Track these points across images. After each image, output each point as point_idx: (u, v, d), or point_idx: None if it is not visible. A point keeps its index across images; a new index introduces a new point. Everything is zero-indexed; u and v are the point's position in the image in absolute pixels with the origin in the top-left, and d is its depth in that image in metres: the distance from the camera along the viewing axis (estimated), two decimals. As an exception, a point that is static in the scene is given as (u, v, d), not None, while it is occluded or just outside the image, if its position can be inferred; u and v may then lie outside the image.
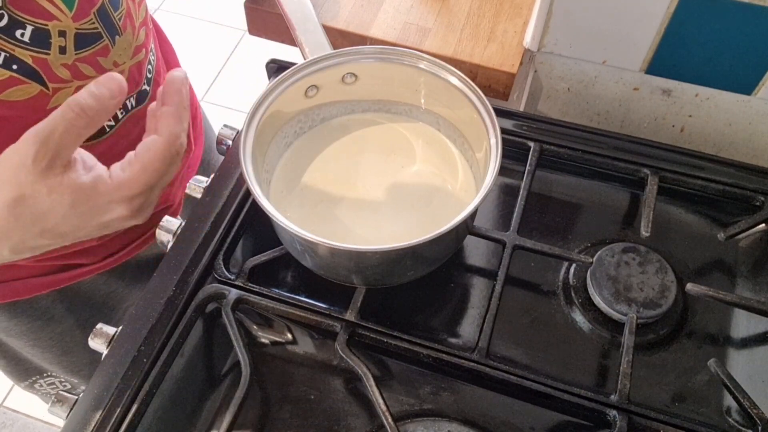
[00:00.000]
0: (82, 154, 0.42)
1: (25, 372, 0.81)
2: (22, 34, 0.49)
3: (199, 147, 0.80)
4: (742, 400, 0.50)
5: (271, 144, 0.57)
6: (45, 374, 0.82)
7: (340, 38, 0.73)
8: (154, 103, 0.46)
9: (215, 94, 2.03)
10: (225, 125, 0.67)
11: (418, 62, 0.56)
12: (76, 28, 0.52)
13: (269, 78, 0.69)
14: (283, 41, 0.77)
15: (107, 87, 0.39)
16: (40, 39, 0.50)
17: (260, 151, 0.55)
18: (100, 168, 0.42)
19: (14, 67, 0.49)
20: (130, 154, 0.43)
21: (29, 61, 0.50)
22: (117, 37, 0.56)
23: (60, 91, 0.53)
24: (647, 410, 0.50)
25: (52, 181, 0.38)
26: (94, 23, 0.54)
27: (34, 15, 0.49)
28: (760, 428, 0.49)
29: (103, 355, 0.52)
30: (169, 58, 0.73)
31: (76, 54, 0.53)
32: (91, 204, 0.40)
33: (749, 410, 0.50)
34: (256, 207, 0.48)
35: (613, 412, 0.50)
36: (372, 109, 0.62)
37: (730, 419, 0.52)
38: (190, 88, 0.80)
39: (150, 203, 0.44)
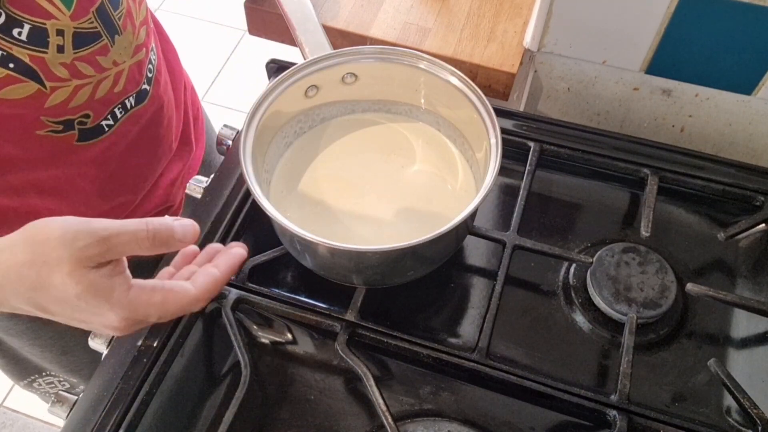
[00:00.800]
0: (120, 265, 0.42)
1: (24, 371, 0.81)
2: (20, 33, 0.48)
3: (200, 147, 0.80)
4: (742, 400, 0.50)
5: (271, 144, 0.57)
6: (44, 373, 0.82)
7: (340, 38, 0.73)
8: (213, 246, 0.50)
9: (215, 94, 2.03)
10: (225, 125, 0.67)
11: (418, 62, 0.56)
12: (75, 27, 0.52)
13: (269, 78, 0.69)
14: (283, 41, 0.77)
15: (184, 230, 0.40)
16: (38, 38, 0.50)
17: (260, 151, 0.55)
18: (122, 279, 0.41)
19: (11, 65, 0.49)
20: (160, 280, 0.43)
21: (26, 60, 0.50)
22: (116, 36, 0.56)
23: (58, 89, 0.53)
24: (647, 410, 0.50)
25: (79, 271, 0.38)
26: (93, 22, 0.53)
27: (32, 13, 0.49)
28: (760, 428, 0.49)
29: (103, 355, 0.52)
30: (170, 57, 0.72)
31: (74, 53, 0.53)
32: (95, 306, 0.40)
33: (749, 410, 0.50)
34: (256, 207, 0.48)
35: (613, 412, 0.50)
36: (372, 109, 0.62)
37: (730, 419, 0.52)
38: (193, 90, 0.81)
39: (139, 328, 0.43)
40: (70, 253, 0.37)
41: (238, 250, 0.47)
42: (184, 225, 0.41)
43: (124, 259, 0.41)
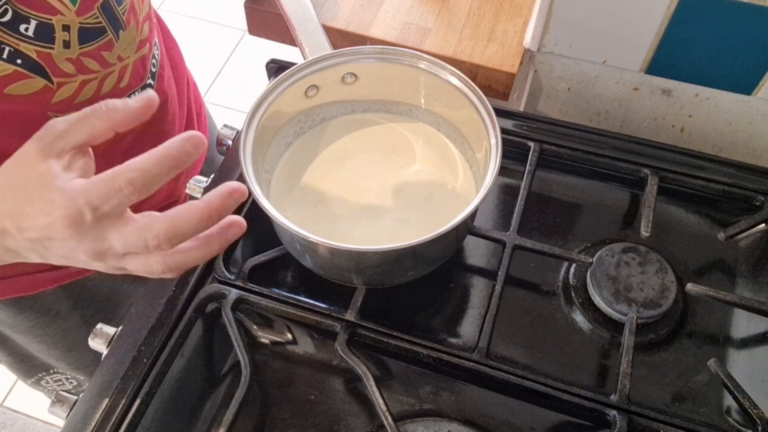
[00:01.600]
0: (81, 161, 0.40)
1: (31, 368, 0.82)
2: (26, 29, 0.49)
3: None
4: (742, 400, 0.50)
5: (271, 144, 0.57)
6: (51, 370, 0.82)
7: (340, 38, 0.73)
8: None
9: (215, 94, 2.03)
10: (225, 125, 0.67)
11: (418, 62, 0.56)
12: (80, 23, 0.52)
13: (269, 78, 0.69)
14: (283, 41, 0.77)
15: (138, 95, 0.39)
16: (44, 33, 0.50)
17: (260, 151, 0.55)
18: (72, 172, 0.39)
19: (18, 61, 0.49)
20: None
21: (33, 56, 0.50)
22: (121, 31, 0.57)
23: (64, 85, 0.53)
24: (647, 410, 0.50)
25: (41, 158, 0.38)
26: (98, 17, 0.54)
27: (38, 9, 0.49)
28: (760, 428, 0.49)
29: (103, 355, 0.52)
30: (173, 53, 0.73)
31: (80, 48, 0.53)
32: (41, 195, 0.38)
33: (749, 410, 0.50)
34: (256, 207, 0.48)
35: (613, 412, 0.50)
36: (372, 109, 0.62)
37: (730, 419, 0.52)
38: (195, 86, 0.81)
39: (90, 237, 0.39)
40: (34, 143, 0.38)
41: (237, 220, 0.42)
42: (139, 94, 0.39)
43: (88, 159, 0.40)
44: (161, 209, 0.51)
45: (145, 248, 0.38)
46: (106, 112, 0.38)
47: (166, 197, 0.72)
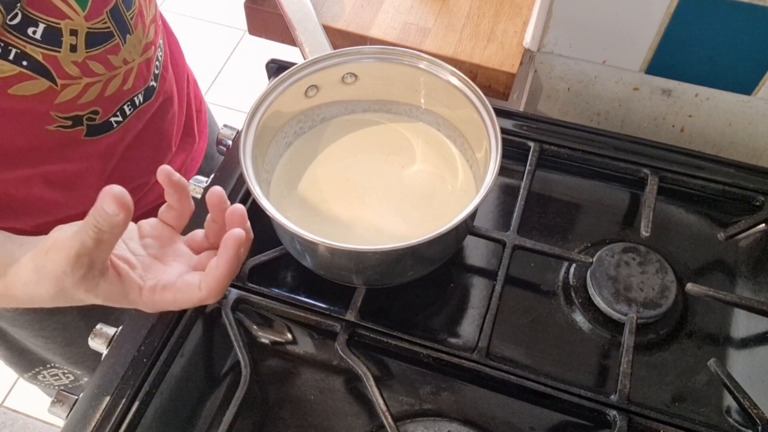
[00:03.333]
0: (116, 259, 0.45)
1: (28, 363, 0.82)
2: (34, 32, 0.49)
3: (203, 140, 0.81)
4: (742, 400, 0.50)
5: (271, 144, 0.57)
6: (48, 365, 0.82)
7: (340, 38, 0.73)
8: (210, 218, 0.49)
9: (215, 94, 2.03)
10: (225, 125, 0.67)
11: (418, 62, 0.56)
12: (88, 28, 0.52)
13: (269, 78, 0.69)
14: (283, 41, 0.77)
15: (110, 208, 0.40)
16: (52, 37, 0.50)
17: (260, 151, 0.55)
18: (132, 279, 0.45)
19: (24, 63, 0.50)
20: (174, 276, 0.46)
21: (39, 58, 0.50)
22: (128, 35, 0.57)
23: (68, 87, 0.53)
24: (647, 410, 0.50)
25: (89, 284, 0.42)
26: (106, 22, 0.54)
27: (47, 13, 0.49)
28: (760, 428, 0.49)
29: (103, 355, 0.52)
30: (174, 50, 0.73)
31: (86, 52, 0.53)
32: (121, 302, 0.45)
33: (749, 410, 0.50)
34: (256, 207, 0.48)
35: (613, 412, 0.50)
36: (372, 109, 0.62)
37: (730, 419, 0.52)
38: (195, 83, 0.81)
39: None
40: (72, 281, 0.42)
41: (233, 235, 0.45)
42: (100, 203, 0.40)
43: (119, 263, 0.45)
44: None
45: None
46: (111, 230, 0.40)
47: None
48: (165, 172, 0.46)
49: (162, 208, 0.49)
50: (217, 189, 0.48)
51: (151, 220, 0.50)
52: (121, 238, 0.44)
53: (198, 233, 0.51)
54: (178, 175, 0.47)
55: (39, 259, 0.43)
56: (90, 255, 0.41)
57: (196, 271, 0.48)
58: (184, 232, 0.51)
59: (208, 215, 0.49)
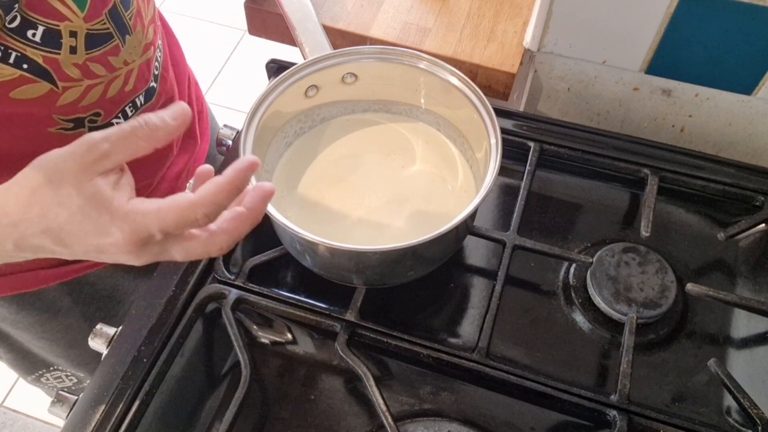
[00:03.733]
0: (124, 179, 0.41)
1: (31, 365, 0.82)
2: (34, 35, 0.49)
3: (205, 141, 0.81)
4: (742, 400, 0.50)
5: (271, 144, 0.57)
6: (51, 368, 0.82)
7: (340, 38, 0.73)
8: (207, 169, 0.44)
9: (215, 94, 2.03)
10: (225, 125, 0.67)
11: (418, 62, 0.56)
12: (88, 29, 0.52)
13: (269, 78, 0.69)
14: (283, 41, 0.77)
15: (172, 111, 0.39)
16: (52, 39, 0.50)
17: (260, 151, 0.55)
18: (124, 191, 0.40)
19: (25, 66, 0.49)
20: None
21: (40, 61, 0.50)
22: (127, 36, 0.57)
23: (69, 89, 0.53)
24: (647, 410, 0.50)
25: (83, 180, 0.38)
26: (105, 24, 0.54)
27: (46, 16, 0.49)
28: (760, 428, 0.49)
29: (103, 355, 0.52)
30: (174, 51, 0.73)
31: (86, 54, 0.53)
32: (97, 219, 0.39)
33: (749, 410, 0.50)
34: (256, 208, 0.48)
35: (613, 412, 0.50)
36: (372, 109, 0.62)
37: (730, 419, 0.52)
38: (196, 84, 0.81)
39: (151, 251, 0.41)
40: (74, 161, 0.38)
41: (266, 186, 0.42)
42: (168, 108, 0.39)
43: (129, 175, 0.41)
44: None
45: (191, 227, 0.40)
46: (149, 133, 0.39)
47: (168, 195, 0.72)
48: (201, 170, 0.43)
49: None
50: (206, 167, 0.44)
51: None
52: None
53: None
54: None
55: (28, 170, 0.39)
56: (114, 141, 0.38)
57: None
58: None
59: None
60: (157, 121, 0.39)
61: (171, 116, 0.39)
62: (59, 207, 0.39)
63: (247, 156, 0.42)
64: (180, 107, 0.40)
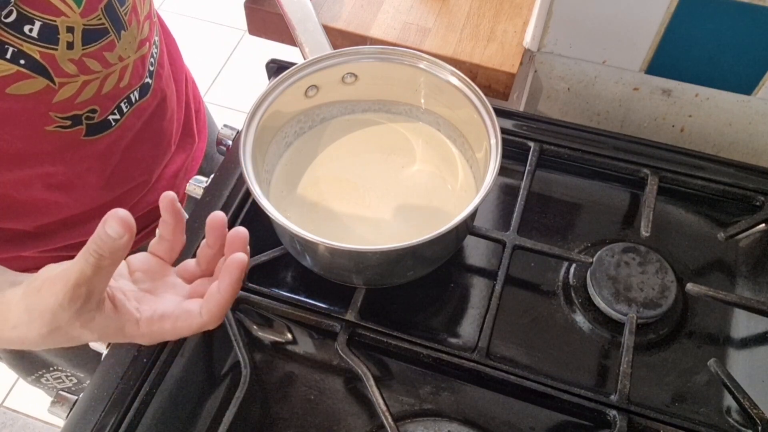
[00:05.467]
0: (113, 289, 0.43)
1: (31, 366, 0.82)
2: (30, 30, 0.49)
3: (202, 140, 0.81)
4: (742, 400, 0.50)
5: (271, 144, 0.57)
6: (51, 368, 0.82)
7: (340, 38, 0.73)
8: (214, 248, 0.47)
9: (215, 94, 2.03)
10: (225, 125, 0.67)
11: (418, 62, 0.56)
12: (84, 24, 0.52)
13: (269, 78, 0.69)
14: (283, 41, 0.77)
15: (114, 230, 0.38)
16: (48, 34, 0.50)
17: (260, 151, 0.55)
18: (129, 310, 0.43)
19: (21, 61, 0.49)
20: (171, 304, 0.45)
21: (37, 56, 0.50)
22: (123, 31, 0.57)
23: (66, 85, 0.53)
24: (647, 410, 0.50)
25: (85, 318, 0.41)
26: (101, 19, 0.54)
27: (42, 11, 0.49)
28: (760, 428, 0.49)
29: (103, 355, 0.52)
30: (171, 50, 0.73)
31: (83, 49, 0.53)
32: (117, 336, 0.43)
33: (749, 410, 0.50)
34: (256, 207, 0.48)
35: (613, 412, 0.50)
36: (372, 109, 0.62)
37: (730, 419, 0.52)
38: (194, 83, 0.81)
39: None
40: (68, 315, 0.40)
41: (237, 259, 0.44)
42: (107, 223, 0.38)
43: (117, 287, 0.43)
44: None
45: None
46: (110, 259, 0.38)
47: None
48: (169, 198, 0.45)
49: (153, 241, 0.48)
50: (220, 214, 0.47)
51: (141, 255, 0.48)
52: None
53: (189, 263, 0.49)
54: (179, 205, 0.46)
55: (30, 298, 0.41)
56: (88, 284, 0.39)
57: (191, 299, 0.46)
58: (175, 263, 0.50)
59: (203, 241, 0.48)
60: (107, 250, 0.38)
61: (117, 236, 0.38)
62: (79, 337, 0.42)
63: (236, 258, 0.44)
64: (118, 222, 0.38)
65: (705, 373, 0.54)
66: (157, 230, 0.48)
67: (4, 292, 0.43)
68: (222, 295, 0.43)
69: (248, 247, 0.46)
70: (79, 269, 0.38)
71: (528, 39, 0.70)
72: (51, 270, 0.41)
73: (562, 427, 0.52)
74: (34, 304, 0.41)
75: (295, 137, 0.60)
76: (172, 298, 0.46)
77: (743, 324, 0.57)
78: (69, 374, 0.84)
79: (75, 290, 0.39)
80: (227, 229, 0.47)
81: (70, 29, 0.52)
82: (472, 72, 0.70)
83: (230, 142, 0.66)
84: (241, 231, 0.46)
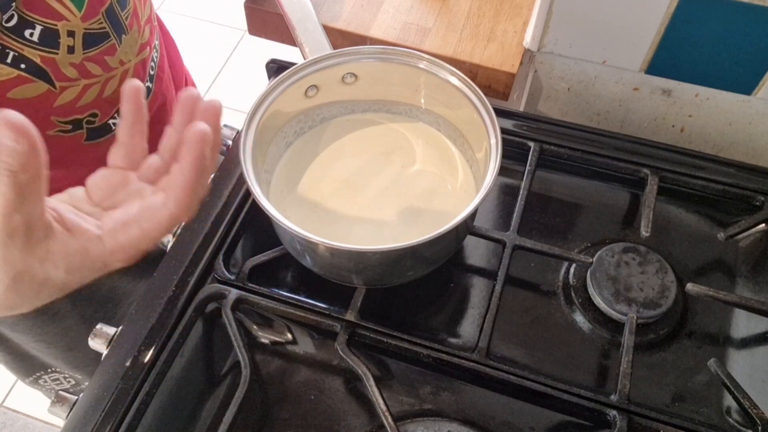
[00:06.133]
0: (61, 211, 0.38)
1: (30, 367, 0.82)
2: (31, 34, 0.49)
3: None
4: (742, 400, 0.50)
5: (271, 144, 0.57)
6: (49, 370, 0.82)
7: (340, 38, 0.73)
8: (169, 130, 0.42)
9: (215, 94, 2.03)
10: (225, 125, 0.67)
11: (418, 62, 0.56)
12: (85, 28, 0.52)
13: (269, 78, 0.69)
14: (283, 41, 0.77)
15: (7, 137, 0.32)
16: (49, 39, 0.50)
17: (260, 151, 0.55)
18: (87, 227, 0.38)
19: (22, 66, 0.49)
20: (132, 210, 0.39)
21: (37, 61, 0.50)
22: (123, 35, 0.57)
23: (67, 89, 0.53)
24: (647, 410, 0.50)
25: (38, 251, 0.36)
26: (102, 23, 0.54)
27: (43, 15, 0.49)
28: (760, 428, 0.49)
29: (103, 355, 0.52)
30: (171, 53, 0.73)
31: (84, 53, 0.53)
32: (88, 264, 0.38)
33: (749, 410, 0.50)
34: (256, 207, 0.48)
35: (613, 412, 0.50)
36: (372, 109, 0.62)
37: (730, 419, 0.52)
38: (194, 84, 0.81)
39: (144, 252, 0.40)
40: (16, 252, 0.35)
41: (197, 128, 0.37)
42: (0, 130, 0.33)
43: (68, 207, 0.38)
44: None
45: None
46: (23, 172, 0.33)
47: None
48: (133, 86, 0.39)
49: (110, 149, 0.42)
50: (193, 90, 0.41)
51: (98, 171, 0.42)
52: (68, 203, 0.38)
53: (152, 158, 0.42)
54: (144, 101, 0.40)
55: None
56: (18, 209, 0.33)
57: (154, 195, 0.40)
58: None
59: (167, 126, 0.41)
60: (12, 159, 0.32)
61: (11, 135, 0.32)
62: (48, 278, 0.37)
63: (198, 125, 0.37)
64: (12, 124, 0.32)
65: (705, 373, 0.54)
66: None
67: None
68: (185, 175, 0.37)
69: (221, 123, 0.40)
70: (2, 198, 0.33)
71: (528, 39, 0.70)
72: None
73: (562, 427, 0.52)
74: None
75: (295, 137, 0.60)
76: (134, 204, 0.40)
77: (743, 324, 0.57)
78: (67, 376, 0.84)
79: (7, 220, 0.33)
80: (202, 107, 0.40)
81: (71, 33, 0.51)
82: (472, 72, 0.70)
83: (230, 142, 0.66)
84: (214, 102, 0.39)
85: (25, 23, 0.48)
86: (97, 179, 0.41)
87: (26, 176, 0.33)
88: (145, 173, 0.41)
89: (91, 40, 0.53)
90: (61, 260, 0.37)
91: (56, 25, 0.50)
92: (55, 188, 0.59)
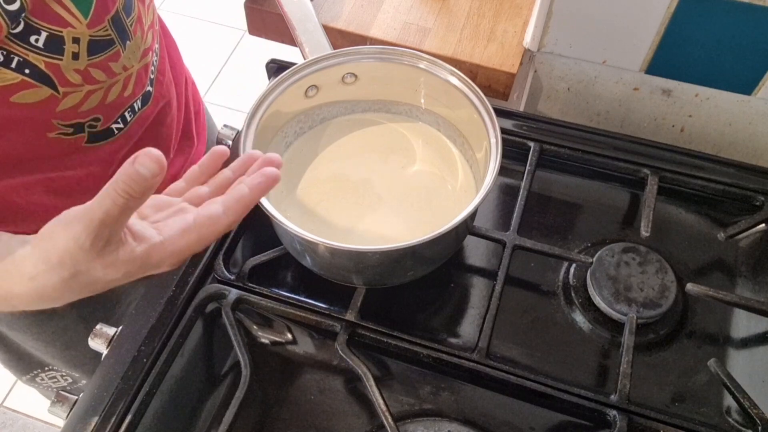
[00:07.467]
0: (132, 223, 0.41)
1: (27, 366, 0.82)
2: (36, 40, 0.49)
3: (201, 142, 0.81)
4: (742, 400, 0.50)
5: (271, 144, 0.57)
6: (47, 368, 0.82)
7: (340, 38, 0.73)
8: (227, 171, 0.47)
9: (215, 94, 2.03)
10: (225, 125, 0.67)
11: (418, 62, 0.56)
12: (90, 35, 0.53)
13: (269, 78, 0.69)
14: (283, 41, 0.77)
15: (148, 168, 0.36)
16: (54, 45, 0.50)
17: (260, 151, 0.54)
18: (151, 234, 0.41)
19: (26, 71, 0.50)
20: (188, 216, 0.42)
21: (42, 66, 0.50)
22: (128, 42, 0.57)
23: (70, 94, 0.53)
24: (647, 410, 0.50)
25: (108, 258, 0.39)
26: (107, 30, 0.54)
27: (49, 22, 0.49)
28: (760, 428, 0.49)
29: (103, 355, 0.52)
30: (172, 53, 0.73)
31: (88, 60, 0.53)
32: (143, 268, 0.41)
33: (749, 410, 0.50)
34: (256, 207, 0.48)
35: (613, 412, 0.50)
36: (372, 109, 0.62)
37: (730, 419, 0.52)
38: (194, 85, 0.81)
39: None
40: (89, 257, 0.38)
41: (273, 171, 0.42)
42: (140, 162, 0.36)
43: (139, 222, 0.42)
44: None
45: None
46: (138, 200, 0.37)
47: None
48: (221, 148, 0.46)
49: (172, 184, 0.47)
50: (258, 153, 0.46)
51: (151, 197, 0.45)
52: None
53: (200, 189, 0.47)
54: (228, 153, 0.47)
55: (44, 244, 0.39)
56: (114, 224, 0.37)
57: (207, 206, 0.43)
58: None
59: (222, 170, 0.46)
60: (138, 189, 0.37)
61: (151, 176, 0.36)
62: (101, 279, 0.40)
63: (270, 169, 0.42)
64: (154, 161, 0.37)
65: (705, 373, 0.54)
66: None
67: (15, 250, 0.41)
68: (252, 194, 0.41)
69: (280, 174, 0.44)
70: (105, 210, 0.36)
71: (528, 39, 0.70)
72: (64, 215, 0.39)
73: (562, 427, 0.52)
74: (49, 250, 0.39)
75: (295, 137, 0.60)
76: (185, 215, 0.43)
77: (743, 324, 0.57)
78: (64, 374, 0.84)
79: (99, 231, 0.37)
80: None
81: (75, 40, 0.52)
82: (472, 72, 0.70)
83: (230, 142, 0.66)
84: (275, 157, 0.44)
85: (30, 29, 0.48)
86: (148, 201, 0.45)
87: (137, 203, 0.37)
88: (190, 198, 0.46)
89: (96, 46, 0.54)
90: (124, 267, 0.40)
91: (61, 32, 0.50)
92: (54, 188, 0.59)
